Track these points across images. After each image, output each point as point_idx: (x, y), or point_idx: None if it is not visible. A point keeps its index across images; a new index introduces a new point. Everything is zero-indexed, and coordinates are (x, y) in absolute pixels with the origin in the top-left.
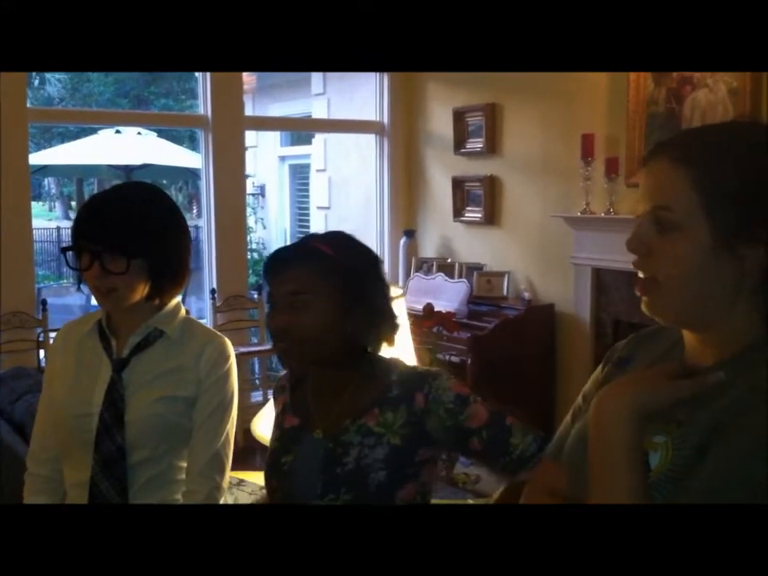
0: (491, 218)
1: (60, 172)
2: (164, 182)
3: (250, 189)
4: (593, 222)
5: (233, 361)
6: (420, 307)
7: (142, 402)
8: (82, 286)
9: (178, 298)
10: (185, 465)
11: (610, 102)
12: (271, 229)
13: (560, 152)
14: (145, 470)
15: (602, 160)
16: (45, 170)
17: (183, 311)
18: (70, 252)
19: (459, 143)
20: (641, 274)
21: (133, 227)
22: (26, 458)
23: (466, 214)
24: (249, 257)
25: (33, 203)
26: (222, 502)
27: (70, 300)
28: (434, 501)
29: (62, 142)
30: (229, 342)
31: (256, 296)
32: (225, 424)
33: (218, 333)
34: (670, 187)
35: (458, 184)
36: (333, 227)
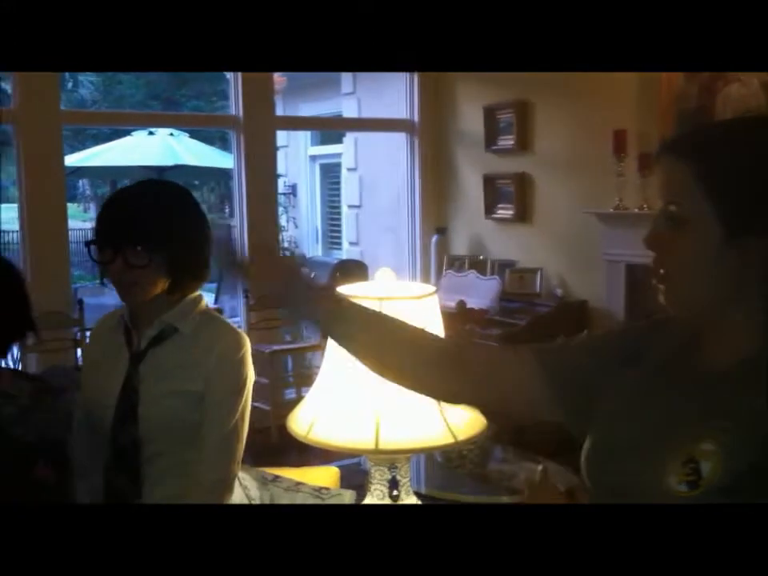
0: (523, 214)
1: (94, 173)
2: (196, 182)
3: (281, 188)
4: (626, 218)
5: (245, 355)
6: (452, 305)
7: (155, 395)
8: (105, 281)
9: (197, 292)
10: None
11: (641, 98)
12: (303, 228)
13: (591, 148)
14: (158, 463)
15: (634, 156)
16: (79, 171)
17: (202, 305)
18: (94, 246)
19: (490, 140)
20: (660, 270)
21: (154, 222)
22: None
23: (498, 211)
24: (281, 255)
25: (68, 204)
26: (235, 491)
27: (106, 300)
28: (467, 498)
29: (95, 143)
30: (244, 337)
31: None
32: (232, 415)
33: (235, 328)
34: (676, 182)
35: (489, 181)
36: (364, 226)
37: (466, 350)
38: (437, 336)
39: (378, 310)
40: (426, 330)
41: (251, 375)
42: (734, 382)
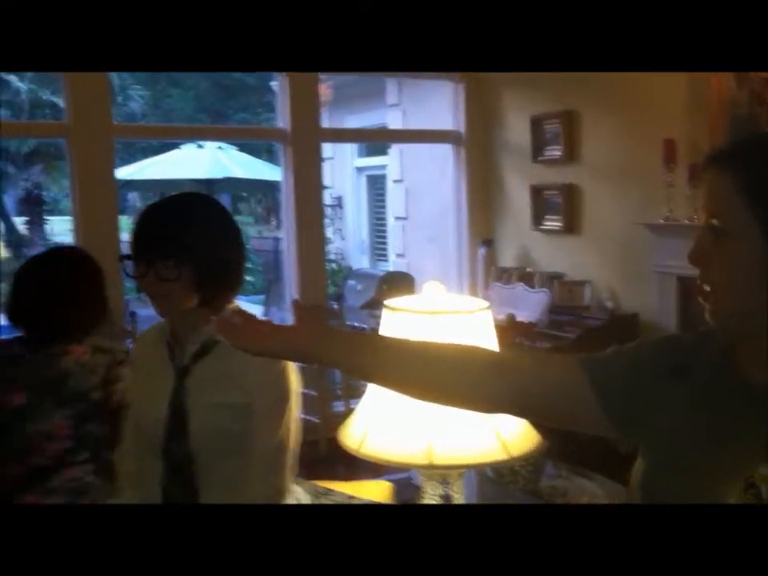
0: (571, 226)
1: (143, 186)
2: (244, 194)
3: (327, 200)
4: (676, 229)
5: (286, 366)
6: (500, 318)
7: (202, 409)
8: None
9: (236, 303)
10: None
11: (690, 106)
12: (349, 239)
13: (640, 158)
14: (212, 476)
15: (684, 166)
16: (129, 184)
17: None
18: (129, 261)
19: (537, 151)
20: (706, 287)
21: (182, 235)
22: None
23: (545, 223)
24: (327, 267)
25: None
26: (288, 504)
27: None
28: None
29: (144, 156)
30: None
31: (336, 306)
32: (277, 428)
33: None
34: (718, 195)
35: (536, 192)
36: (410, 238)
37: (510, 357)
38: (473, 346)
39: (428, 324)
40: (452, 342)
41: (295, 385)
42: (757, 401)
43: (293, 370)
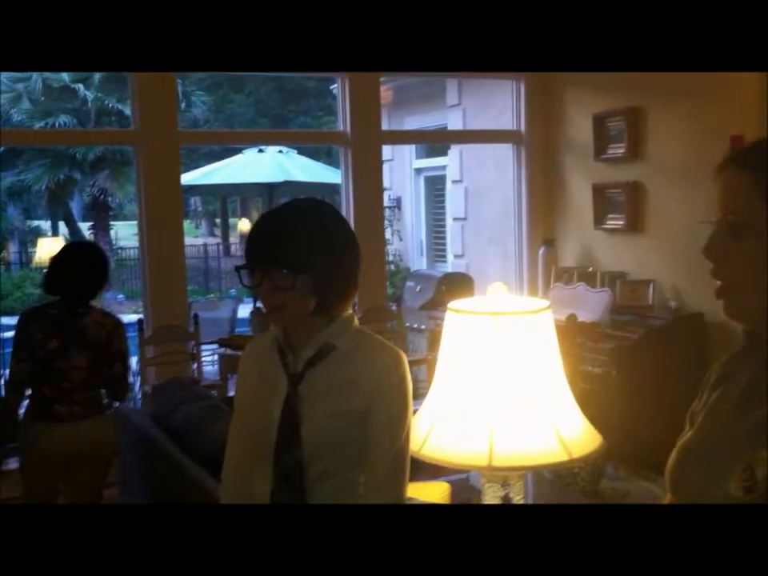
0: (634, 224)
1: (207, 191)
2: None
3: (386, 201)
4: None
5: (405, 372)
6: (562, 318)
7: (317, 416)
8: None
9: (350, 311)
10: (364, 478)
11: (759, 102)
12: (407, 240)
13: (707, 155)
14: (324, 484)
15: None
16: (193, 189)
17: (356, 323)
18: (244, 271)
19: (600, 149)
20: (718, 282)
21: (296, 244)
22: (185, 465)
23: (608, 222)
24: (386, 269)
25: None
26: None
27: (219, 313)
28: None
29: (207, 162)
30: (402, 354)
31: (394, 308)
32: (398, 436)
33: (391, 344)
34: (738, 193)
35: (598, 191)
36: (469, 238)
37: None
38: None
39: (491, 325)
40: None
41: (411, 394)
42: None
43: (409, 377)
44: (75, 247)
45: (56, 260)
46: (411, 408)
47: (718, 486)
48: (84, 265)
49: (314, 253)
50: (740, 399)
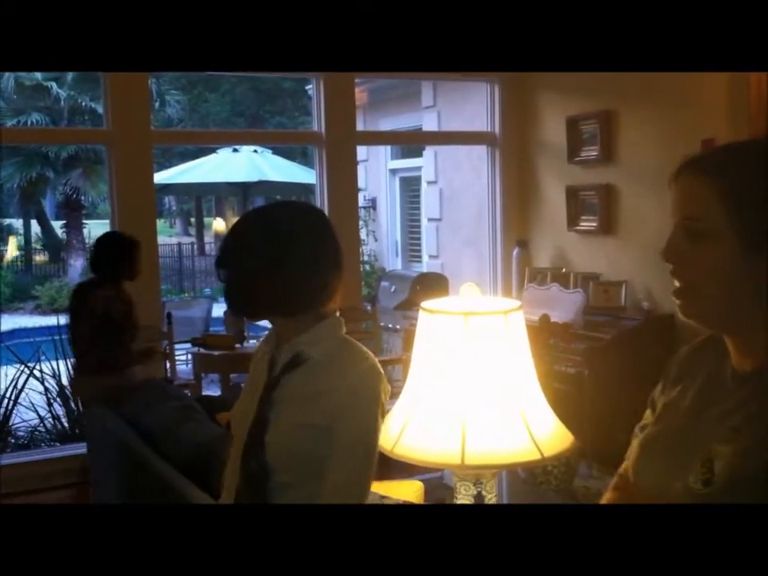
0: (607, 226)
1: (181, 190)
2: (278, 197)
3: (361, 202)
4: None
5: (375, 392)
6: (535, 318)
7: (282, 424)
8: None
9: (335, 317)
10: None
11: (730, 106)
12: (382, 241)
13: (679, 158)
14: (287, 494)
15: None
16: (167, 188)
17: (338, 331)
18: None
19: (573, 152)
20: (676, 283)
21: (261, 245)
22: (156, 466)
23: (581, 223)
24: (361, 269)
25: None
26: None
27: (193, 313)
28: None
29: (181, 161)
30: (378, 369)
31: (369, 308)
32: (358, 457)
33: (370, 358)
34: (698, 198)
35: (572, 193)
36: (444, 239)
37: None
38: None
39: (462, 325)
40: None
41: (380, 414)
42: (751, 386)
43: (382, 395)
44: (103, 235)
45: (99, 243)
46: (378, 430)
47: (678, 479)
48: (101, 249)
49: (276, 255)
50: (698, 395)
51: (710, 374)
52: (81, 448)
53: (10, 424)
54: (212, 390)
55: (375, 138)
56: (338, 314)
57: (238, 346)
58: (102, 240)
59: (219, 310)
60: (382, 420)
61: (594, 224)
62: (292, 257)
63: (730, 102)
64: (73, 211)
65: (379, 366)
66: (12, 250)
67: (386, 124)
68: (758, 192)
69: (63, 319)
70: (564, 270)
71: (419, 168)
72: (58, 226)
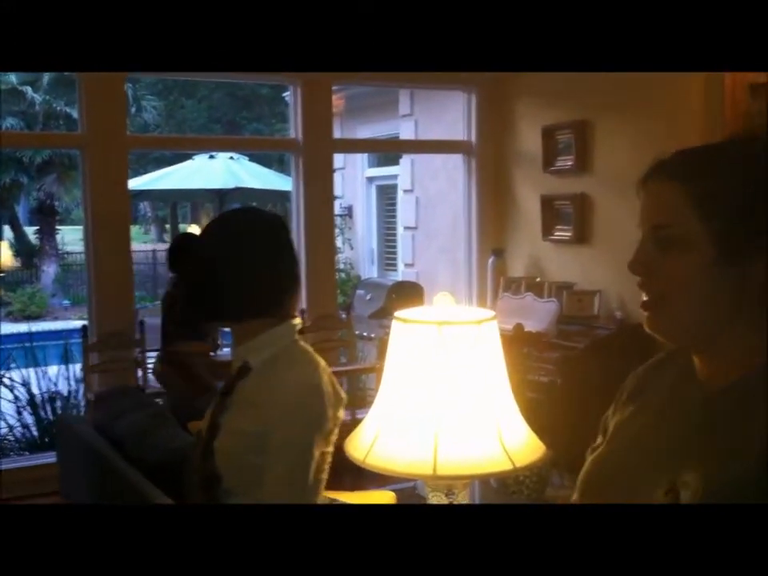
0: (582, 236)
1: (156, 197)
2: (254, 204)
3: (337, 209)
4: None
5: (310, 399)
6: (509, 327)
7: (226, 432)
8: None
9: (287, 323)
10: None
11: (705, 117)
12: (358, 249)
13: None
14: (231, 502)
15: None
16: (142, 194)
17: (285, 339)
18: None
19: (548, 161)
20: (644, 296)
21: (205, 253)
22: (127, 474)
23: (556, 233)
24: (336, 277)
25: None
26: None
27: None
28: None
29: (157, 167)
30: (317, 376)
31: (344, 316)
32: (294, 465)
33: (311, 364)
34: (668, 205)
35: (547, 202)
36: (420, 247)
37: None
38: None
39: (436, 335)
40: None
41: (322, 419)
42: (724, 405)
43: (321, 401)
44: (179, 235)
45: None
46: (314, 437)
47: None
48: (176, 248)
49: (215, 263)
50: (657, 416)
51: (672, 393)
52: (50, 457)
53: None
54: None
55: (352, 146)
56: (296, 320)
57: (211, 354)
58: (178, 240)
59: None
60: (329, 426)
61: (569, 233)
62: (235, 263)
63: (705, 112)
64: (46, 217)
65: (323, 372)
66: None
67: (364, 132)
68: (733, 196)
69: (35, 326)
70: (539, 279)
71: (396, 176)
72: (31, 231)
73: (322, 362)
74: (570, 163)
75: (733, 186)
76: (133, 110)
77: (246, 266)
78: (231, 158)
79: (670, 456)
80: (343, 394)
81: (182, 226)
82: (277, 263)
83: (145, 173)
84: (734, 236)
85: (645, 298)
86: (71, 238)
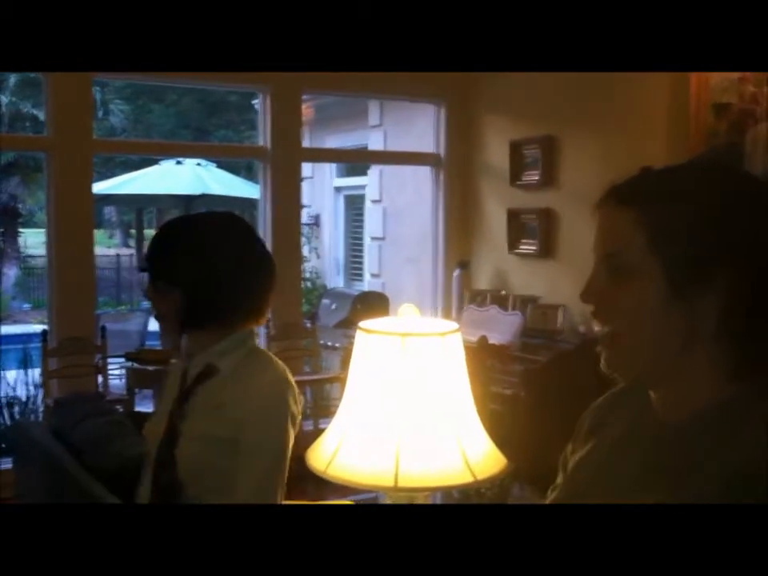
0: (547, 250)
1: (122, 201)
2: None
3: (304, 218)
4: None
5: (279, 401)
6: (473, 339)
7: (189, 437)
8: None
9: (248, 329)
10: None
11: (669, 134)
12: (325, 258)
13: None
14: None
15: None
16: (107, 198)
17: (251, 342)
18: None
19: (515, 175)
20: (596, 327)
21: (169, 256)
22: (84, 481)
23: (521, 246)
24: (302, 286)
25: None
26: None
27: (128, 326)
28: None
29: (124, 171)
30: (283, 379)
31: (309, 325)
32: (265, 467)
33: (276, 368)
34: (618, 231)
35: (513, 216)
36: (387, 258)
37: None
38: None
39: (400, 346)
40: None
41: (289, 423)
42: (682, 439)
43: (288, 404)
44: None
45: None
46: (286, 440)
47: None
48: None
49: (184, 267)
50: (615, 450)
51: (630, 428)
52: (6, 463)
53: None
54: (145, 406)
55: (321, 155)
56: (258, 329)
57: (173, 361)
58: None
59: (155, 323)
60: (293, 429)
61: (534, 247)
62: (197, 269)
63: (669, 130)
64: (9, 219)
65: (288, 376)
66: None
67: (332, 141)
68: (685, 221)
69: None
70: (503, 292)
71: (364, 186)
72: None
73: (282, 363)
74: (536, 178)
75: (685, 213)
76: (100, 113)
77: (216, 273)
78: (198, 164)
79: (628, 494)
80: (302, 396)
81: (147, 231)
82: (245, 272)
83: (111, 177)
84: (685, 267)
85: (599, 330)
86: (34, 241)
